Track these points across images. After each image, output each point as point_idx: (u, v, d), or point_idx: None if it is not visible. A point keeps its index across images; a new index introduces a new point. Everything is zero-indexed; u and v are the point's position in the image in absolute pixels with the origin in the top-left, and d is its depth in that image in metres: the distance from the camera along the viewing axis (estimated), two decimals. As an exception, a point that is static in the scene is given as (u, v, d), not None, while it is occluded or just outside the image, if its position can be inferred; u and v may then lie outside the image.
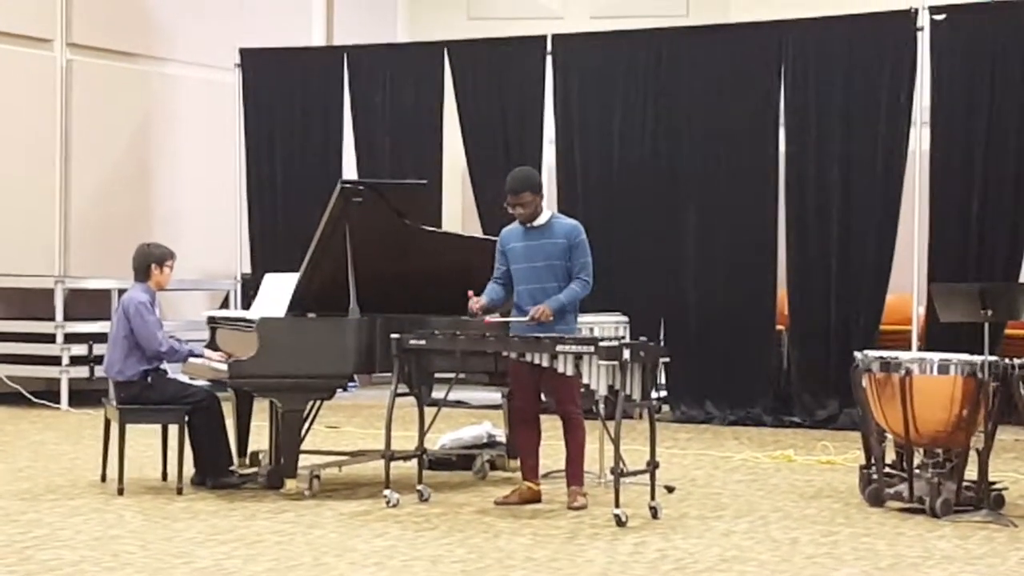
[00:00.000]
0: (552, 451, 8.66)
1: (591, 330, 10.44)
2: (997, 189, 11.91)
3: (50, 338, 13.38)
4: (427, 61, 14.16)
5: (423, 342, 8.17)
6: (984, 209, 11.93)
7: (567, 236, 8.22)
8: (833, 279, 12.45)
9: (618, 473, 7.68)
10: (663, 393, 12.70)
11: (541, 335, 7.95)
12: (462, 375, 8.62)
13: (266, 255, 14.49)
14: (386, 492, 8.19)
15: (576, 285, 8.17)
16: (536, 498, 8.24)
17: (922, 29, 12.12)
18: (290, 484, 8.41)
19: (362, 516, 7.87)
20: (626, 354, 7.59)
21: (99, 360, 12.20)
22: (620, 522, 7.59)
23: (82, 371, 13.37)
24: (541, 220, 8.27)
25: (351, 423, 12.27)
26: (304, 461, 8.59)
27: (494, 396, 11.63)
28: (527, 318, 8.07)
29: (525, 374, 8.09)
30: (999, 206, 11.91)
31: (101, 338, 12.20)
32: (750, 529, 7.63)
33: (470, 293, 8.25)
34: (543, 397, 8.34)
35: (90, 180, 14.56)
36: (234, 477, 8.78)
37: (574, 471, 8.20)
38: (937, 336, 11.38)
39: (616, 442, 7.62)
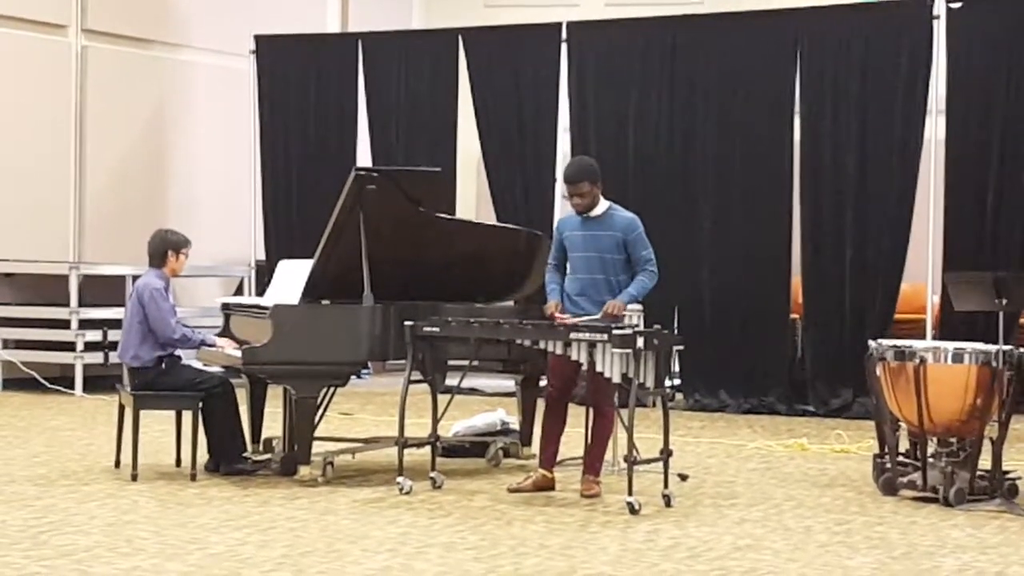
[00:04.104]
0: (567, 439, 8.64)
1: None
2: (1013, 178, 11.87)
3: (65, 324, 13.40)
4: (442, 48, 14.13)
5: (437, 329, 8.17)
6: (999, 198, 11.90)
7: (624, 230, 8.17)
8: (848, 268, 12.41)
9: (631, 461, 7.69)
10: (677, 381, 12.68)
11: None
12: (476, 362, 8.61)
13: (280, 242, 14.49)
14: (399, 479, 8.19)
15: (645, 277, 8.13)
16: (550, 486, 8.24)
17: (938, 17, 12.07)
18: (304, 471, 8.42)
19: (375, 503, 7.88)
20: (640, 342, 7.58)
21: (113, 346, 12.24)
22: (633, 510, 7.59)
23: (97, 357, 13.38)
24: (598, 211, 8.23)
25: (365, 410, 12.28)
26: (318, 448, 8.60)
27: (508, 384, 11.63)
28: (599, 315, 8.01)
29: (563, 362, 8.06)
30: (1014, 195, 11.88)
31: (116, 324, 12.21)
32: (763, 517, 7.62)
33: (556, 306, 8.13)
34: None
35: (105, 166, 14.58)
36: (248, 463, 8.79)
37: (592, 461, 8.19)
38: (952, 325, 11.35)
39: (629, 430, 7.63)
